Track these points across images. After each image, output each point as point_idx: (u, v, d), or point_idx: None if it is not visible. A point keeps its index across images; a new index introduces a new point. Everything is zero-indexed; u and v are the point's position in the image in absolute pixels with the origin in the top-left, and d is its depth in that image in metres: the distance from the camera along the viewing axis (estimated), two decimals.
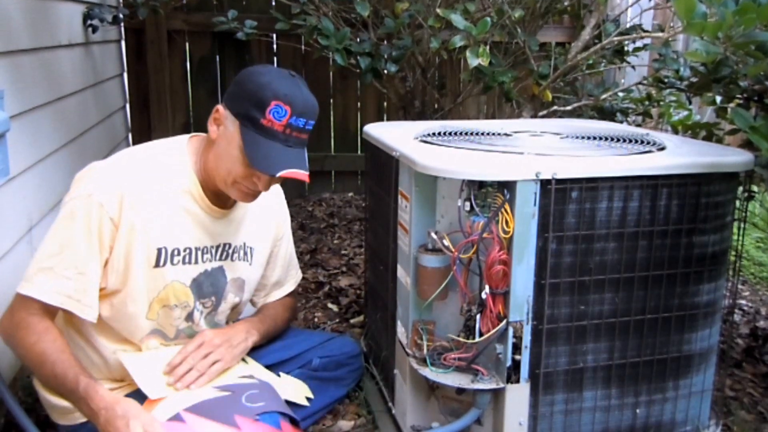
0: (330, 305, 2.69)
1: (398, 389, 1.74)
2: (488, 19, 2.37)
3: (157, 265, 1.56)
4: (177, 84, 4.09)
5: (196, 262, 1.62)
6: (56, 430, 1.65)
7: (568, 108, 2.89)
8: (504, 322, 1.46)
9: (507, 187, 1.42)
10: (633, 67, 3.49)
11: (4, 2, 2.00)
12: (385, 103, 4.31)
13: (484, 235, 1.43)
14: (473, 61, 2.31)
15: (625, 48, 3.18)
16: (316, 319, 2.56)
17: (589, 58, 2.92)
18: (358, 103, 4.36)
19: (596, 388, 1.56)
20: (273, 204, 1.82)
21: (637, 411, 1.60)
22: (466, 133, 1.80)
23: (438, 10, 2.52)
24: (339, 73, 4.13)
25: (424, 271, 1.54)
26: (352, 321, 2.54)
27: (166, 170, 1.58)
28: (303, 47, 4.05)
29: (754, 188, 2.00)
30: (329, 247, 3.37)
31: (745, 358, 2.34)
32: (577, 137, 1.78)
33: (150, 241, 1.54)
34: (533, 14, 3.04)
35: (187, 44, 4.07)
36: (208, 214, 1.63)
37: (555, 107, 2.93)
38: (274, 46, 4.15)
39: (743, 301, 2.93)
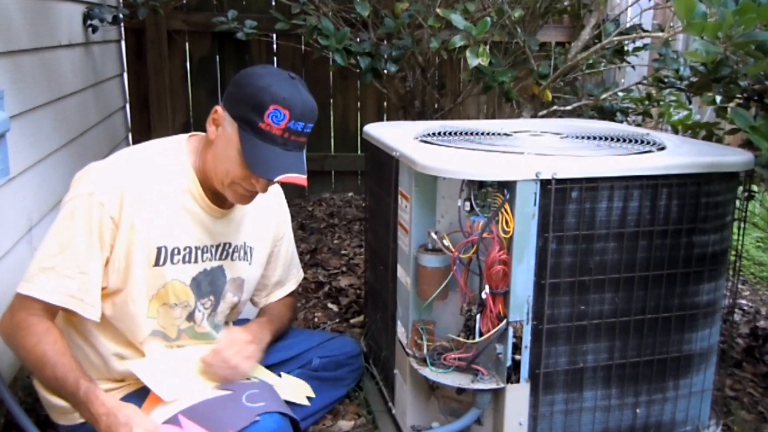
0: (330, 305, 2.69)
1: (398, 389, 1.74)
2: (488, 19, 2.37)
3: (156, 264, 1.55)
4: (177, 84, 4.09)
5: (196, 261, 1.62)
6: (56, 430, 1.65)
7: (568, 108, 2.89)
8: (504, 322, 1.46)
9: (507, 187, 1.42)
10: (633, 67, 3.49)
11: (4, 2, 2.00)
12: (385, 103, 4.30)
13: (484, 235, 1.43)
14: (473, 61, 2.31)
15: (625, 48, 3.18)
16: (316, 319, 2.56)
17: (589, 58, 2.92)
18: (358, 103, 4.36)
19: (596, 388, 1.56)
20: (273, 204, 1.82)
21: (637, 411, 1.60)
22: (466, 133, 1.80)
23: (438, 10, 2.52)
24: (339, 73, 4.13)
25: (424, 271, 1.54)
26: (352, 321, 2.54)
27: (165, 169, 1.58)
28: (303, 47, 4.05)
29: (754, 188, 2.00)
30: (329, 247, 3.37)
31: (745, 357, 2.34)
32: (577, 137, 1.78)
33: (150, 240, 1.54)
34: (533, 14, 3.04)
35: (187, 44, 4.07)
36: (208, 213, 1.63)
37: (555, 107, 2.93)
38: (274, 46, 4.15)
39: (743, 301, 2.93)
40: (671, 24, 3.11)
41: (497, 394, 1.53)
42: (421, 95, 3.19)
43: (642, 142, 1.69)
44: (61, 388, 1.45)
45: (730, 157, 1.58)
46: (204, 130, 1.59)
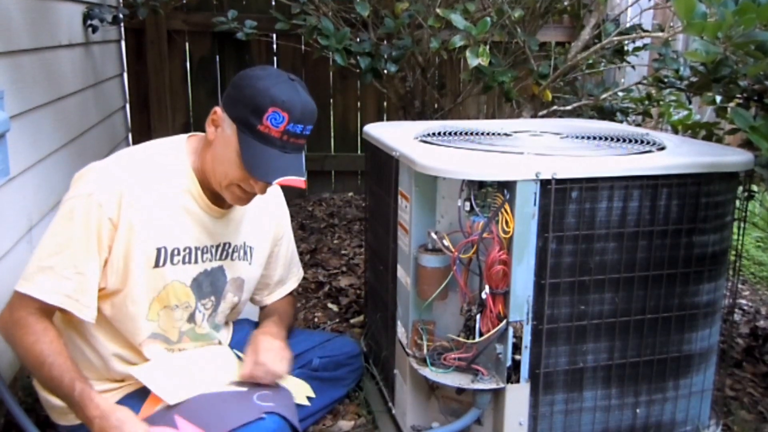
0: (330, 305, 2.69)
1: (398, 389, 1.74)
2: (488, 19, 2.37)
3: (156, 265, 1.55)
4: (177, 84, 4.09)
5: (196, 261, 1.62)
6: (56, 430, 1.65)
7: (568, 108, 2.89)
8: (504, 322, 1.46)
9: (507, 187, 1.42)
10: (633, 66, 3.49)
11: (4, 2, 2.00)
12: (385, 103, 4.30)
13: (484, 235, 1.43)
14: (473, 61, 2.31)
15: (625, 48, 3.18)
16: (316, 319, 2.56)
17: (589, 58, 2.92)
18: (358, 103, 4.36)
19: (596, 388, 1.56)
20: (272, 204, 1.82)
21: (637, 411, 1.60)
22: (466, 133, 1.80)
23: (438, 10, 2.52)
24: (339, 73, 4.13)
25: (424, 271, 1.54)
26: (352, 321, 2.54)
27: (165, 170, 1.58)
28: (303, 47, 4.05)
29: (754, 188, 2.00)
30: (329, 247, 3.37)
31: (745, 357, 2.34)
32: (576, 137, 1.78)
33: (149, 240, 1.53)
34: (533, 14, 3.04)
35: (187, 44, 4.07)
36: (208, 213, 1.62)
37: (555, 107, 2.93)
38: (274, 46, 4.15)
39: (743, 301, 2.93)
40: (671, 24, 3.11)
41: (497, 394, 1.53)
42: (421, 95, 3.19)
43: (642, 142, 1.69)
44: (57, 389, 1.45)
45: (730, 157, 1.58)
46: (204, 130, 1.59)
